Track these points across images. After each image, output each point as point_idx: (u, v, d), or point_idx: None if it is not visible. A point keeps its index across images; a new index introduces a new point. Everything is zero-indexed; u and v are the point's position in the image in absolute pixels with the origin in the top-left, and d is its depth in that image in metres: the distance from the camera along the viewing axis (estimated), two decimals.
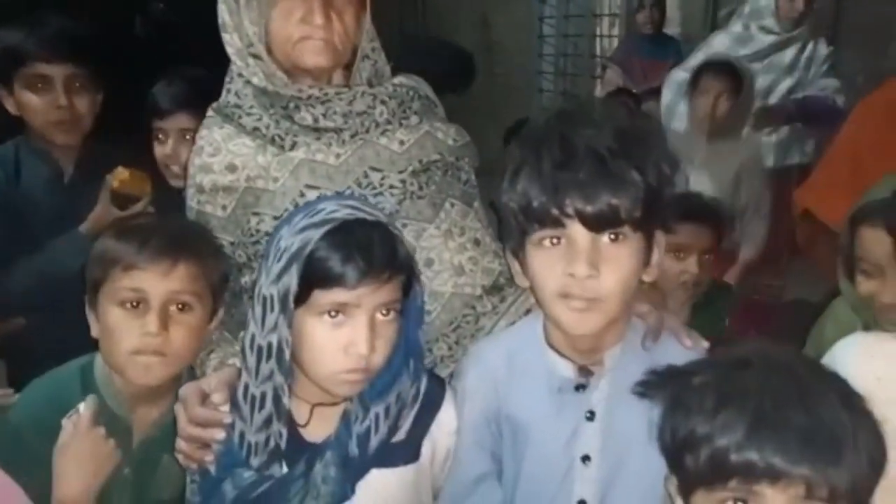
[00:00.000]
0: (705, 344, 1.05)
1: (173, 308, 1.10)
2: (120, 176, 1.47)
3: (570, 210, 0.90)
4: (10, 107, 1.57)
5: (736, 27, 3.08)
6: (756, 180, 2.56)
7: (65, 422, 1.07)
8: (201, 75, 1.58)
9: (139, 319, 1.08)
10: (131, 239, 1.10)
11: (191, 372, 1.17)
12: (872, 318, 1.34)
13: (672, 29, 4.37)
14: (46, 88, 1.53)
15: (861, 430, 0.77)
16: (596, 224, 0.91)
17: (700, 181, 2.58)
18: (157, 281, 1.08)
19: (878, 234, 1.30)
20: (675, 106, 3.13)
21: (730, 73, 2.56)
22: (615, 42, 5.26)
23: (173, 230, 1.13)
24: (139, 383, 1.11)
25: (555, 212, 0.91)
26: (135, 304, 1.09)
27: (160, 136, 1.64)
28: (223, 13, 1.11)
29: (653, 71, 3.81)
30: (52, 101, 1.53)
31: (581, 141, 0.91)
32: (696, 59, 3.22)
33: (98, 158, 1.59)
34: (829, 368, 0.86)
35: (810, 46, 2.94)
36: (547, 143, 0.92)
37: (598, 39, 5.64)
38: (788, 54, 2.94)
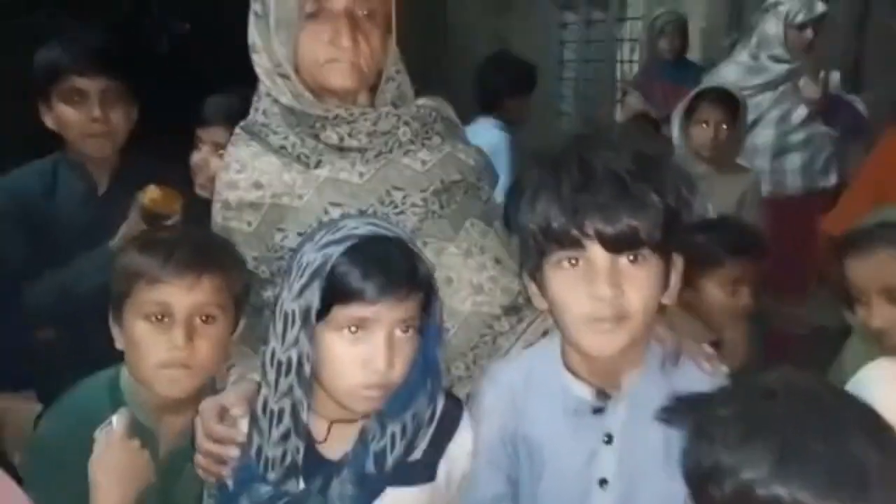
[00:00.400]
0: (725, 369, 1.05)
1: (198, 320, 1.11)
2: (151, 194, 1.49)
3: (589, 231, 0.91)
4: (50, 121, 1.63)
5: (742, 57, 3.09)
6: (755, 210, 2.56)
7: (98, 434, 1.08)
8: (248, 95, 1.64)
9: (165, 333, 1.10)
10: (155, 252, 1.11)
11: (212, 381, 1.19)
12: (880, 347, 1.36)
13: (693, 55, 4.40)
14: (82, 102, 1.59)
15: (889, 463, 0.75)
16: (616, 245, 0.91)
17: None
18: (183, 294, 1.10)
19: (860, 262, 1.35)
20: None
21: (727, 101, 2.56)
22: (636, 67, 5.28)
23: (197, 242, 1.15)
24: (166, 395, 1.12)
25: (575, 233, 0.92)
26: (160, 317, 1.10)
27: (199, 143, 1.72)
28: (253, 35, 1.14)
29: (674, 96, 3.74)
30: (87, 114, 1.58)
31: (600, 163, 0.92)
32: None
33: (132, 172, 1.64)
34: (855, 397, 0.85)
35: (822, 75, 2.93)
36: (566, 165, 0.94)
37: (618, 65, 5.67)
38: (802, 83, 2.95)
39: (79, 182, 1.65)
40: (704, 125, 2.52)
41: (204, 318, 1.12)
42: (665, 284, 0.98)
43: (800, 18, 3.02)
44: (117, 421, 1.09)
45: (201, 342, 1.11)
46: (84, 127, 1.59)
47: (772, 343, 2.73)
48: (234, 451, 1.00)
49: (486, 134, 2.99)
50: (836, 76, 2.95)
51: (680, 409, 0.87)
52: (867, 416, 0.79)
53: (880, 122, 2.85)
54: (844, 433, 0.75)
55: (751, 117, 3.09)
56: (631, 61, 5.45)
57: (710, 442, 0.80)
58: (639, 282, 0.93)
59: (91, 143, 1.62)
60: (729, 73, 3.11)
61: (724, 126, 2.50)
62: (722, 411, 0.81)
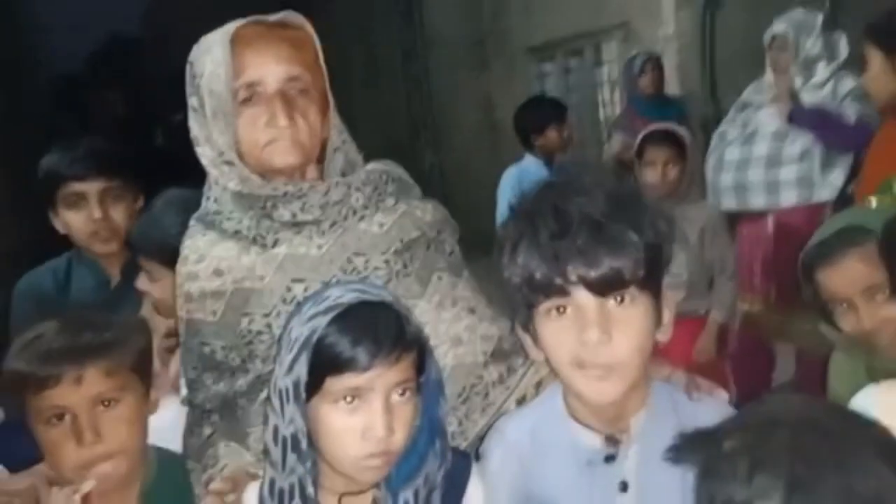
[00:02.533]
0: (725, 395, 1.04)
1: (101, 408, 1.09)
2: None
3: (572, 277, 0.90)
4: (58, 226, 1.71)
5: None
6: (721, 240, 2.64)
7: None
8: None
9: (70, 434, 1.07)
10: (31, 357, 1.08)
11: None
12: (870, 357, 1.35)
13: (671, 90, 4.47)
14: (82, 204, 1.66)
15: None
16: (601, 288, 0.91)
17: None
18: (73, 391, 1.07)
19: (834, 272, 1.36)
20: None
21: (672, 140, 2.65)
22: (618, 108, 5.40)
23: (73, 332, 1.12)
24: (100, 488, 1.09)
25: (558, 280, 0.91)
26: (59, 417, 1.08)
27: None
28: (194, 128, 1.16)
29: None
30: (88, 216, 1.66)
31: (575, 208, 0.92)
32: (732, 112, 3.28)
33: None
34: (863, 418, 0.83)
35: (831, 84, 2.97)
36: (541, 214, 0.93)
37: (601, 108, 5.78)
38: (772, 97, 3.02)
39: (91, 277, 1.72)
40: (651, 166, 2.63)
41: (106, 403, 1.10)
42: (658, 321, 0.97)
43: (766, 40, 3.12)
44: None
45: (111, 427, 1.09)
46: (86, 227, 1.67)
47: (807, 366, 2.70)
48: None
49: (532, 168, 3.52)
50: (849, 80, 2.92)
51: (686, 447, 0.86)
52: (877, 437, 0.77)
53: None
54: (854, 458, 0.73)
55: (748, 130, 3.15)
56: (612, 102, 5.55)
57: (720, 478, 0.77)
58: (628, 324, 0.92)
59: (96, 243, 1.69)
60: (745, 91, 3.25)
61: (671, 165, 2.61)
62: (727, 445, 0.79)
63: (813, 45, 2.99)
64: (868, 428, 0.80)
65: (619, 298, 0.92)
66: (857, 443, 0.76)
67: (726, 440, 0.81)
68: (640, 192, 0.99)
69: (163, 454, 1.21)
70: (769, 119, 3.02)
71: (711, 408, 1.00)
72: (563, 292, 0.92)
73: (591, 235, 0.90)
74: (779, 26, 3.04)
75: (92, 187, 1.66)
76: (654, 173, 2.61)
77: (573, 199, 0.93)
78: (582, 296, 0.92)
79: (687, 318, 2.54)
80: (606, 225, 0.91)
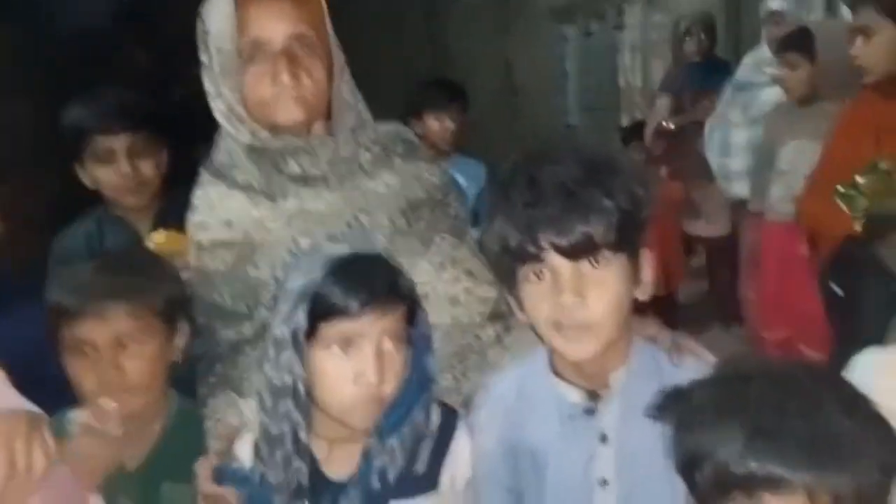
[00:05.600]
0: (711, 358, 1.06)
1: (121, 346, 1.15)
2: (157, 238, 1.51)
3: (544, 244, 0.93)
4: (86, 180, 1.68)
5: None
6: None
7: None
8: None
9: (95, 364, 1.14)
10: (68, 290, 1.16)
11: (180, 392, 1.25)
12: None
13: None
14: (111, 159, 1.63)
15: (866, 434, 0.76)
16: (573, 253, 0.93)
17: (814, 151, 2.57)
18: (99, 326, 1.14)
19: None
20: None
21: (799, 41, 2.64)
22: (638, 74, 5.32)
23: (110, 273, 1.18)
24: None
25: (531, 248, 0.94)
26: (87, 350, 1.15)
27: None
28: (206, 83, 1.18)
29: (703, 100, 3.64)
30: (117, 170, 1.62)
31: (547, 177, 0.94)
32: (728, 92, 3.21)
33: (171, 216, 1.60)
34: (834, 374, 0.86)
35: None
36: (515, 184, 0.96)
37: (620, 73, 5.70)
38: None
39: (123, 234, 1.69)
40: (785, 68, 2.69)
41: (127, 341, 1.16)
42: (636, 280, 1.00)
43: (762, 14, 3.09)
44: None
45: (133, 365, 1.15)
46: (116, 183, 1.64)
47: None
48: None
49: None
50: None
51: (662, 403, 0.89)
52: (845, 391, 0.80)
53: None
54: (817, 407, 0.76)
55: (752, 113, 3.13)
56: (633, 69, 5.47)
57: (690, 429, 0.81)
58: (604, 286, 0.95)
59: (126, 197, 1.66)
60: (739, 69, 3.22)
61: (801, 66, 2.64)
62: (696, 397, 0.83)
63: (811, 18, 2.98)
64: (838, 382, 0.83)
65: (592, 261, 0.95)
66: (823, 395, 0.78)
67: (696, 393, 0.84)
68: (616, 158, 1.01)
69: (184, 401, 1.27)
70: (773, 100, 2.97)
71: (694, 367, 1.02)
72: (537, 259, 0.95)
73: (563, 203, 0.92)
74: (775, 1, 3.00)
75: (120, 142, 1.62)
76: (786, 75, 2.69)
77: (545, 168, 0.96)
78: (556, 261, 0.94)
79: None
80: (578, 192, 0.93)
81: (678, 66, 4.02)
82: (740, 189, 3.11)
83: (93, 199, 1.74)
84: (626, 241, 0.95)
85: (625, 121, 5.57)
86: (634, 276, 0.99)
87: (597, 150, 1.01)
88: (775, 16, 3.02)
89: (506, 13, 6.90)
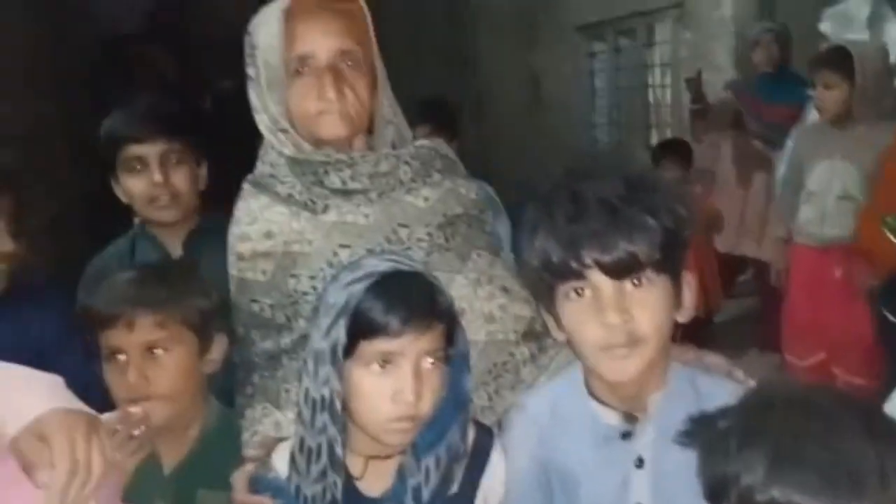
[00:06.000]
0: (751, 383, 1.04)
1: (149, 354, 1.18)
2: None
3: (588, 261, 0.93)
4: (120, 195, 1.60)
5: None
6: None
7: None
8: None
9: (122, 372, 1.18)
10: (99, 297, 1.20)
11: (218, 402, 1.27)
12: None
13: (726, 74, 4.20)
14: (142, 168, 1.54)
15: (890, 460, 0.75)
16: (616, 272, 0.93)
17: (846, 171, 2.59)
18: (126, 334, 1.17)
19: None
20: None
21: (836, 60, 2.61)
22: (668, 91, 5.29)
23: (140, 283, 1.22)
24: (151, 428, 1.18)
25: (574, 264, 0.93)
26: (118, 357, 1.18)
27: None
28: (252, 97, 1.21)
29: (774, 114, 3.48)
30: (148, 180, 1.53)
31: (591, 193, 0.94)
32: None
33: (203, 235, 1.56)
34: (860, 402, 0.85)
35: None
36: (558, 199, 0.96)
37: (650, 90, 5.68)
38: None
39: (153, 252, 1.60)
40: (821, 88, 2.66)
41: (155, 350, 1.18)
42: (678, 303, 0.99)
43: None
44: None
45: (157, 374, 1.18)
46: (147, 193, 1.54)
47: None
48: None
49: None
50: None
51: (692, 429, 0.88)
52: (869, 417, 0.79)
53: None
54: (841, 435, 0.76)
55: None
56: (662, 85, 5.44)
57: (714, 455, 0.81)
58: (646, 305, 0.94)
59: (156, 210, 1.56)
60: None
61: (832, 87, 2.63)
62: (721, 424, 0.83)
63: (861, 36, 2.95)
64: (863, 409, 0.82)
65: (635, 281, 0.94)
66: (847, 422, 0.78)
67: (722, 419, 0.84)
68: (658, 177, 1.01)
69: (223, 409, 1.30)
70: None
71: (735, 392, 1.00)
72: (579, 275, 0.94)
73: (607, 219, 0.92)
74: (825, 23, 3.02)
75: (152, 149, 1.53)
76: (821, 95, 2.65)
77: (589, 184, 0.95)
78: (599, 278, 0.94)
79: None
80: (622, 209, 0.92)
81: (745, 77, 3.84)
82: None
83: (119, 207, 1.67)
84: (669, 261, 0.95)
85: (654, 138, 5.55)
86: (676, 299, 0.98)
87: (640, 170, 1.01)
88: (820, 37, 3.01)
89: (534, 28, 6.92)
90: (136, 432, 1.13)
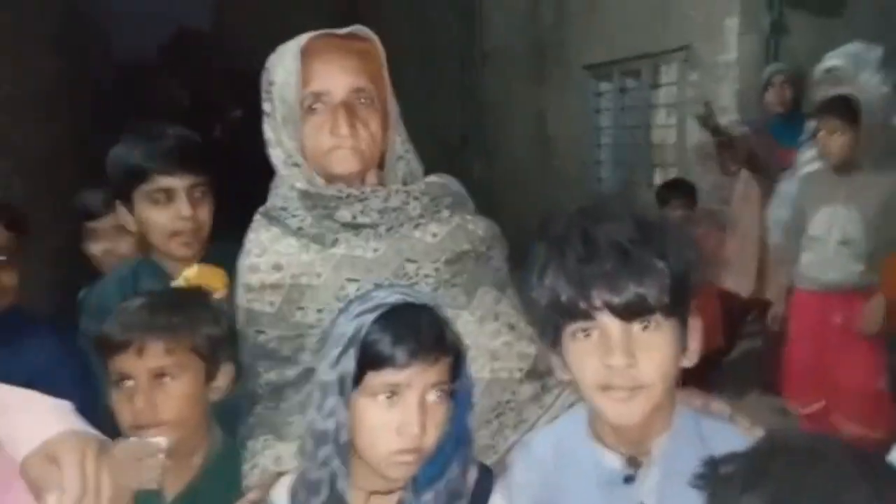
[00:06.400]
0: (759, 432, 1.04)
1: (157, 381, 1.19)
2: (187, 273, 1.44)
3: (597, 302, 0.93)
4: (129, 223, 1.57)
5: None
6: None
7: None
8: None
9: (128, 397, 1.18)
10: (112, 324, 1.21)
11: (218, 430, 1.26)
12: None
13: (730, 116, 4.27)
14: (169, 201, 1.50)
15: None
16: (625, 314, 0.93)
17: (847, 217, 2.59)
18: (136, 360, 1.18)
19: None
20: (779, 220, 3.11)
21: (841, 107, 2.65)
22: (672, 132, 5.34)
23: (150, 310, 1.22)
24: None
25: (583, 304, 0.93)
26: (126, 384, 1.19)
27: (93, 235, 1.94)
28: (267, 131, 1.24)
29: (782, 157, 3.47)
30: (175, 213, 1.50)
31: (602, 234, 0.94)
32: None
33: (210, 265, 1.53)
34: (868, 454, 0.84)
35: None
36: (569, 238, 0.96)
37: (654, 129, 5.73)
38: None
39: (157, 283, 1.53)
40: (822, 133, 2.70)
41: (163, 376, 1.19)
42: (684, 347, 0.99)
43: (815, 77, 3.11)
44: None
45: (163, 401, 1.18)
46: (171, 227, 1.50)
47: None
48: None
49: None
50: None
51: (701, 474, 0.88)
52: (872, 469, 0.79)
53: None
54: (841, 484, 0.76)
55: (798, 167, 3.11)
56: (667, 126, 5.49)
57: (717, 500, 0.81)
58: (653, 349, 0.94)
59: (177, 245, 1.52)
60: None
61: (837, 133, 2.66)
62: (724, 470, 0.83)
63: (870, 78, 2.94)
64: (868, 460, 0.82)
65: (644, 324, 0.94)
66: (846, 471, 0.78)
67: (725, 465, 0.84)
68: (669, 220, 1.01)
69: (226, 438, 1.29)
70: (809, 158, 2.97)
71: (739, 437, 1.00)
72: (588, 316, 0.94)
73: (618, 261, 0.92)
74: (835, 60, 3.01)
75: (182, 183, 1.50)
76: (824, 140, 2.68)
77: (601, 225, 0.95)
78: (607, 320, 0.94)
79: (866, 291, 2.58)
80: (633, 251, 0.93)
81: (760, 118, 3.81)
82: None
83: None
84: (678, 305, 0.95)
85: (658, 177, 5.58)
86: (683, 344, 0.98)
87: (650, 212, 1.02)
88: (831, 74, 3.02)
89: (541, 66, 7.02)
90: (154, 459, 1.13)
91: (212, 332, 1.25)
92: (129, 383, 1.19)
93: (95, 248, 1.91)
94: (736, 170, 3.71)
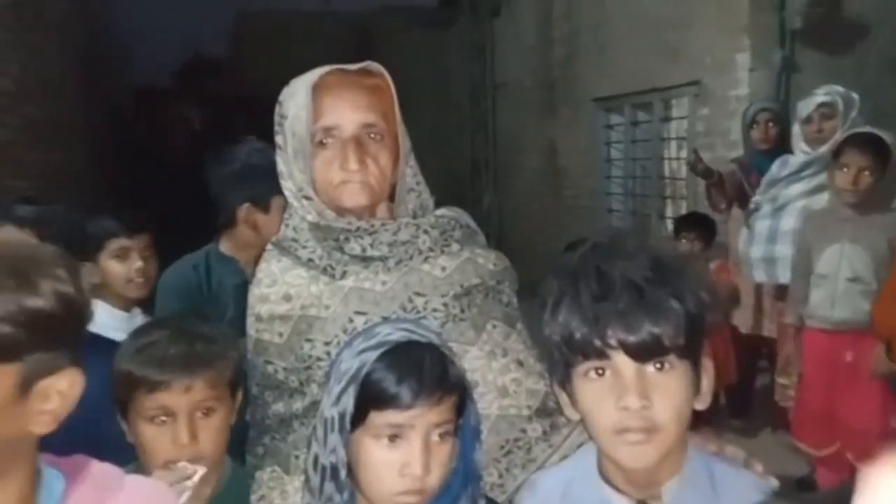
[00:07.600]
0: (774, 482, 1.02)
1: (199, 415, 1.18)
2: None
3: (612, 341, 0.91)
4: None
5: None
6: None
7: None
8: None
9: (169, 432, 1.17)
10: (149, 360, 1.19)
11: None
12: None
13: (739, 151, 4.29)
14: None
15: None
16: (640, 354, 0.91)
17: (854, 254, 2.57)
18: (181, 396, 1.17)
19: None
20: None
21: (873, 147, 2.59)
22: (682, 165, 5.34)
23: (186, 342, 1.21)
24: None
25: (597, 343, 0.92)
26: (164, 419, 1.17)
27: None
28: (279, 163, 1.25)
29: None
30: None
31: (617, 272, 0.93)
32: (763, 185, 3.26)
33: None
34: None
35: None
36: (584, 275, 0.95)
37: (665, 162, 5.74)
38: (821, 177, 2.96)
39: (230, 276, 1.84)
40: (845, 170, 2.59)
41: (204, 411, 1.19)
42: (696, 390, 0.97)
43: (804, 113, 3.11)
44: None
45: (205, 434, 1.18)
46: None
47: None
48: None
49: None
50: None
51: None
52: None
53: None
54: None
55: (778, 204, 3.15)
56: (678, 158, 5.50)
57: None
58: (667, 391, 0.92)
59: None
60: (773, 166, 3.25)
61: (867, 172, 2.56)
62: None
63: (857, 119, 2.99)
64: None
65: (658, 365, 0.92)
66: None
67: None
68: (685, 259, 0.99)
69: (237, 468, 1.29)
70: (797, 194, 3.03)
71: (752, 483, 0.98)
72: (602, 355, 0.93)
73: (633, 300, 0.91)
74: (826, 96, 3.04)
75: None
76: (847, 178, 2.58)
77: (617, 262, 0.94)
78: (621, 360, 0.92)
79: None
80: (648, 290, 0.91)
81: (747, 152, 3.83)
82: (758, 275, 3.19)
83: None
84: (692, 346, 0.94)
85: (669, 209, 5.58)
86: (696, 386, 0.96)
87: (666, 250, 1.00)
88: (823, 108, 3.04)
89: (552, 98, 7.07)
90: (190, 483, 1.14)
91: (237, 359, 1.26)
92: (165, 418, 1.17)
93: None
94: (725, 207, 3.77)
